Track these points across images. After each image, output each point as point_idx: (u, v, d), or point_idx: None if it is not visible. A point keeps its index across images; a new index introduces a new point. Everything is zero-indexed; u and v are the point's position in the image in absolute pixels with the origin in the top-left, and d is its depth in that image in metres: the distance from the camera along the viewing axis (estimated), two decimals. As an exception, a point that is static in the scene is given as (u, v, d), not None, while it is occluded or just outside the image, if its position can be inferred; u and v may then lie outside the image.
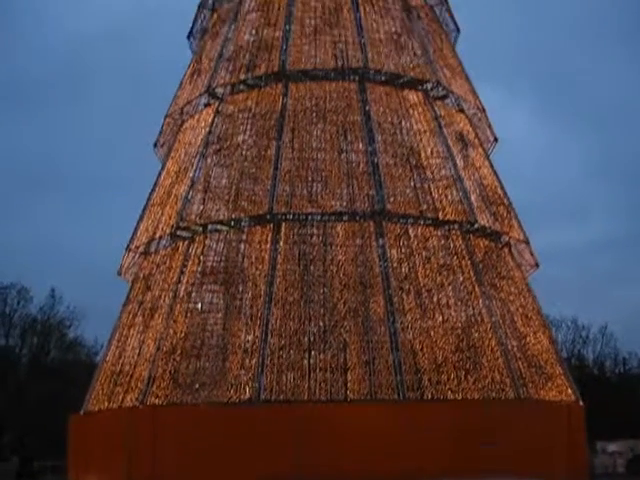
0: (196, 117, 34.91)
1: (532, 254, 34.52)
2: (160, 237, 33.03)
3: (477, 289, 30.38)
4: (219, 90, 34.35)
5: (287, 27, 33.68)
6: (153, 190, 34.78)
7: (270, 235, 30.02)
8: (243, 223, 31.70)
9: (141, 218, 34.38)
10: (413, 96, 33.23)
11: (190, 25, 38.79)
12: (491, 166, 35.28)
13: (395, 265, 29.98)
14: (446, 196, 31.61)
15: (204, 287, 31.36)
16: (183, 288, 30.85)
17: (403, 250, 30.50)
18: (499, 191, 34.52)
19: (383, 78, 33.59)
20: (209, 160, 33.04)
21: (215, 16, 37.51)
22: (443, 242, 31.17)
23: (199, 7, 38.66)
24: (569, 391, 31.41)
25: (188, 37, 38.88)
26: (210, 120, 33.48)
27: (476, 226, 31.83)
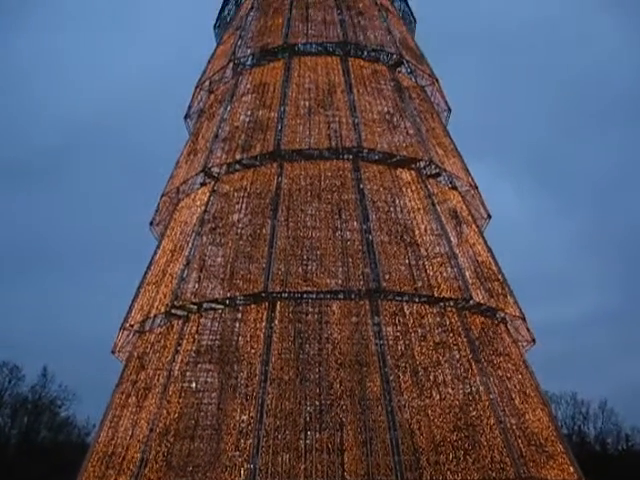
0: (192, 196, 35.26)
1: (528, 330, 34.40)
2: (155, 315, 32.88)
3: (474, 366, 30.13)
4: (215, 169, 34.81)
5: (282, 108, 34.37)
6: (148, 268, 34.81)
7: (265, 313, 29.93)
8: (238, 302, 31.69)
9: (136, 296, 34.28)
10: (406, 174, 33.68)
11: (187, 106, 39.58)
12: (485, 243, 35.47)
13: (391, 343, 29.81)
14: (441, 273, 31.69)
15: (199, 366, 31.05)
16: (177, 367, 30.56)
17: (399, 328, 30.37)
18: (494, 267, 34.61)
19: (377, 157, 34.17)
20: (204, 239, 33.20)
21: (212, 97, 38.30)
22: (439, 319, 31.08)
23: (196, 88, 39.50)
24: (571, 469, 30.84)
25: (185, 118, 39.58)
26: (206, 199, 33.82)
27: (471, 303, 31.79)
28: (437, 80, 39.38)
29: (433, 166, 34.78)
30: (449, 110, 39.67)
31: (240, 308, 31.45)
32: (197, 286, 32.25)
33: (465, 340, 30.68)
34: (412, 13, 42.76)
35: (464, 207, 35.47)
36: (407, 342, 30.02)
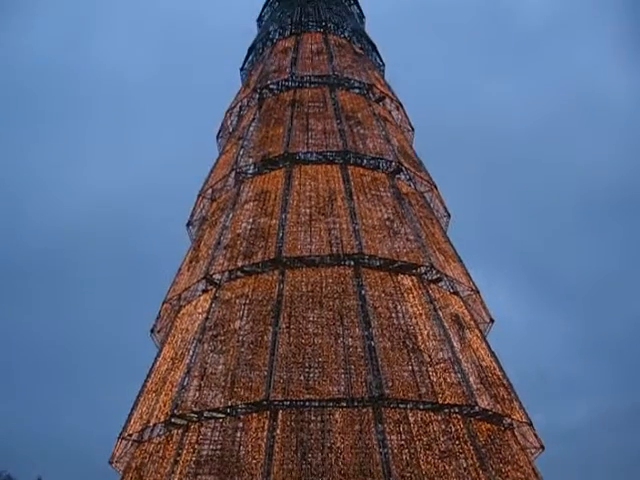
0: (193, 303, 35.31)
1: (536, 436, 33.70)
2: (154, 425, 32.34)
3: (482, 475, 29.37)
4: (217, 276, 34.99)
5: (283, 215, 34.91)
6: (148, 376, 34.47)
7: (267, 423, 29.44)
8: (239, 410, 31.21)
9: (135, 405, 33.79)
10: (408, 280, 33.83)
11: (189, 214, 40.16)
12: (488, 347, 35.23)
13: (395, 452, 29.15)
14: (445, 379, 31.30)
15: (198, 477, 30.26)
16: (177, 478, 29.82)
17: (403, 436, 29.77)
18: (498, 372, 34.23)
19: (378, 263, 34.41)
20: (206, 346, 33.00)
21: (214, 205, 38.91)
22: (444, 427, 30.51)
23: (198, 196, 40.18)
24: None
25: (187, 225, 40.09)
26: (207, 306, 33.86)
27: (477, 409, 31.30)
28: (435, 186, 40.11)
29: (434, 271, 34.97)
30: (448, 215, 40.20)
31: (241, 417, 30.96)
32: (198, 394, 31.84)
33: (472, 448, 30.03)
34: (410, 122, 43.91)
35: (466, 312, 35.44)
36: (412, 451, 29.36)
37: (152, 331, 37.30)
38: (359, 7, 50.61)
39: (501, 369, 34.47)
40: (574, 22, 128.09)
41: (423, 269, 34.90)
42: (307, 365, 30.71)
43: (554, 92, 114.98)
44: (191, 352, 33.01)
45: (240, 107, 43.41)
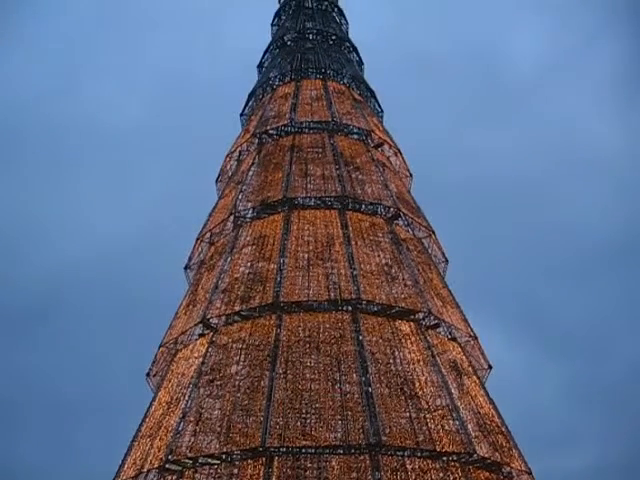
0: (190, 347, 35.15)
1: (536, 485, 33.30)
2: (148, 470, 31.94)
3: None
4: (214, 321, 34.89)
5: (281, 260, 34.95)
6: (143, 421, 34.17)
7: (262, 469, 29.15)
8: (235, 456, 30.83)
9: (129, 450, 33.41)
10: (405, 326, 33.76)
11: (187, 257, 40.20)
12: (487, 394, 35.00)
13: (393, 501, 28.80)
14: (443, 426, 31.04)
15: (193, 525, 29.89)
16: (170, 526, 29.39)
17: (401, 485, 29.42)
18: (497, 419, 33.97)
19: (375, 309, 34.36)
20: (202, 391, 32.78)
21: (212, 249, 38.98)
22: (442, 475, 30.18)
23: (197, 240, 40.28)
24: None
25: (185, 269, 40.09)
26: (204, 350, 33.70)
27: (475, 457, 30.98)
28: (433, 232, 40.23)
29: (432, 317, 34.90)
30: (446, 261, 40.25)
31: (237, 463, 30.64)
32: (193, 440, 31.55)
33: (470, 498, 29.65)
34: (408, 168, 44.23)
35: (464, 358, 35.28)
36: (410, 500, 28.99)
37: (148, 375, 37.06)
38: (358, 54, 51.27)
39: (500, 416, 34.20)
40: (562, 73, 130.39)
41: (421, 315, 34.85)
42: (304, 411, 30.48)
43: (544, 139, 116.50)
44: (187, 397, 32.75)
45: (239, 152, 43.74)
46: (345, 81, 46.65)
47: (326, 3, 53.14)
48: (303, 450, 30.09)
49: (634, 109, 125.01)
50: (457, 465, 30.64)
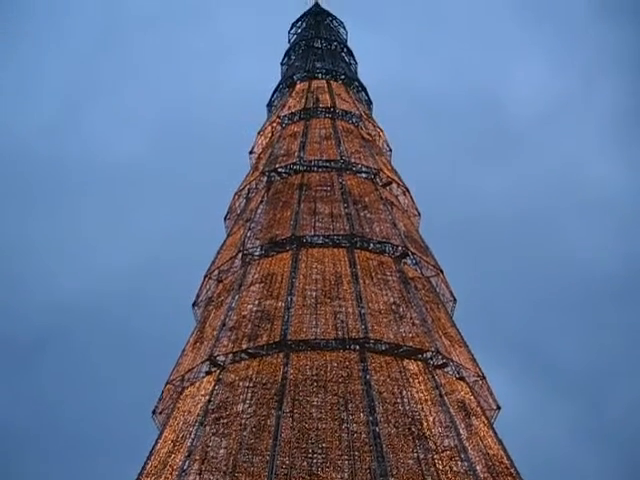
0: (197, 385, 34.98)
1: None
2: (153, 510, 31.61)
3: None
4: (221, 358, 34.78)
5: (289, 298, 34.93)
6: (148, 459, 33.78)
7: (269, 509, 28.76)
8: (241, 496, 30.49)
9: (133, 490, 33.11)
10: (413, 365, 33.58)
11: (195, 294, 40.23)
12: (495, 435, 34.56)
13: None
14: (451, 468, 30.72)
15: None
16: None
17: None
18: (506, 461, 33.52)
19: (383, 347, 34.20)
20: (208, 429, 32.57)
21: (220, 286, 39.01)
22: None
23: (205, 277, 40.33)
24: None
25: (193, 306, 40.11)
26: (211, 388, 33.54)
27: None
28: (442, 271, 40.17)
29: (440, 357, 34.71)
30: (454, 300, 40.13)
31: (243, 503, 30.25)
32: (198, 479, 31.26)
33: None
34: (417, 207, 44.36)
35: (472, 398, 34.96)
36: None
37: (154, 412, 36.83)
38: (367, 94, 51.95)
39: (509, 457, 33.74)
40: (562, 114, 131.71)
41: (429, 354, 34.67)
42: (310, 451, 30.21)
43: (545, 178, 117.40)
44: (193, 435, 32.53)
45: (248, 189, 43.99)
46: (354, 120, 47.04)
47: (335, 43, 54.03)
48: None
49: (635, 146, 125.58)
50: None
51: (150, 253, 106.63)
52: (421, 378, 33.16)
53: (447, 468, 30.63)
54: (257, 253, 39.26)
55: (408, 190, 44.60)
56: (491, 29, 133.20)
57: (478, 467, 31.52)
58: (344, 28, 56.41)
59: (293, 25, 56.32)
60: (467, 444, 32.13)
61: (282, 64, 54.52)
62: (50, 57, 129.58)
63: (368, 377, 32.28)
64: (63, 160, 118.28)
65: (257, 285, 36.68)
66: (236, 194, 44.49)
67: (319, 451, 30.25)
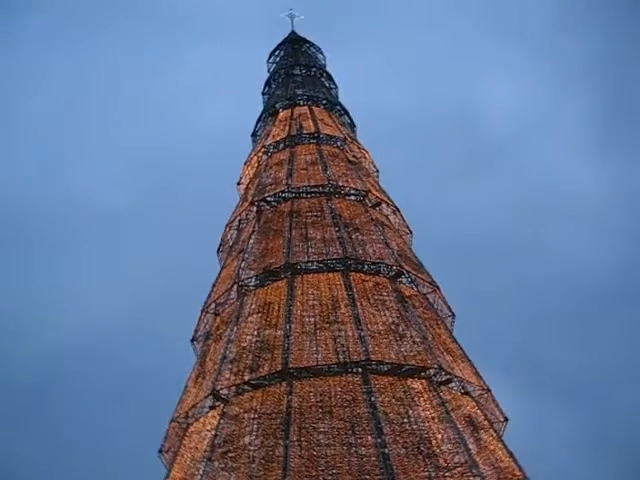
0: (202, 420, 34.77)
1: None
2: None
3: None
4: (224, 392, 34.60)
5: (288, 326, 34.79)
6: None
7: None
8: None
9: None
10: (417, 384, 33.47)
11: (193, 330, 40.11)
12: (505, 447, 34.35)
13: None
14: (462, 484, 30.51)
15: None
16: None
17: None
18: (517, 472, 33.32)
19: (386, 368, 34.07)
20: (216, 464, 32.34)
21: (218, 320, 38.89)
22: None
23: (202, 312, 40.21)
24: None
25: (192, 341, 39.99)
26: (216, 423, 33.35)
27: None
28: (438, 287, 40.20)
29: (443, 373, 34.63)
30: (453, 315, 40.11)
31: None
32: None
33: None
34: (408, 226, 44.46)
35: (479, 412, 34.83)
36: None
37: (160, 451, 36.54)
38: (349, 117, 52.30)
39: (520, 469, 33.52)
40: (540, 127, 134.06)
41: (432, 371, 34.58)
42: (321, 478, 29.96)
43: (529, 194, 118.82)
44: (201, 471, 32.31)
45: (239, 221, 44.04)
46: (339, 144, 47.26)
47: (314, 69, 54.45)
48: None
49: (615, 154, 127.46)
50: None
51: (146, 290, 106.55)
52: (426, 396, 33.03)
53: (456, 482, 30.42)
54: (252, 283, 39.19)
55: (398, 209, 44.72)
56: (463, 48, 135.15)
57: (490, 480, 31.32)
58: (322, 53, 56.93)
59: (271, 54, 56.80)
60: (478, 459, 31.97)
61: (263, 94, 54.86)
62: (30, 101, 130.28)
63: (373, 399, 32.15)
64: (53, 205, 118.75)
65: (255, 315, 36.58)
66: (227, 226, 44.53)
67: (330, 478, 29.99)
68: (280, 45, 57.03)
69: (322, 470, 30.19)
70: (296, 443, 30.77)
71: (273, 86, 54.18)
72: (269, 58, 56.81)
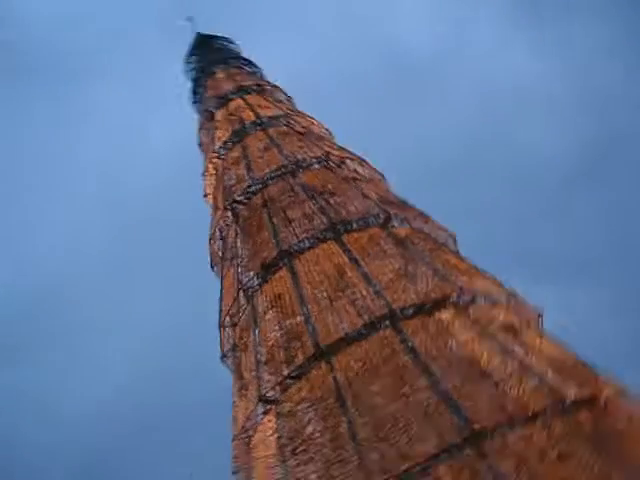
0: (260, 429, 34.82)
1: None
2: None
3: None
4: (270, 394, 34.63)
5: (304, 310, 34.85)
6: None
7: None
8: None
9: None
10: (445, 314, 33.41)
11: (220, 348, 40.10)
12: (549, 339, 34.50)
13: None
14: (524, 390, 30.48)
15: None
16: None
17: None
18: (569, 357, 33.50)
19: (410, 312, 34.01)
20: (290, 463, 32.42)
21: (237, 330, 38.87)
22: (547, 436, 29.67)
23: (220, 328, 40.20)
24: None
25: (222, 359, 40.01)
26: (274, 426, 33.47)
27: (568, 401, 30.45)
28: (429, 216, 40.23)
29: (465, 294, 34.70)
30: (452, 236, 40.18)
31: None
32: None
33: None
34: (378, 171, 44.45)
35: (514, 317, 34.95)
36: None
37: (234, 472, 36.65)
38: (283, 91, 52.28)
39: (571, 353, 33.73)
40: (460, 26, 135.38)
41: (454, 297, 34.59)
42: (392, 437, 30.04)
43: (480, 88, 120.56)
44: (280, 475, 32.42)
45: (219, 230, 43.90)
46: (283, 121, 47.07)
47: (232, 60, 54.30)
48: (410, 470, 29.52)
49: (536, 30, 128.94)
50: (557, 422, 29.94)
51: (166, 334, 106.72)
52: (458, 322, 33.09)
53: (518, 393, 30.49)
54: (255, 283, 39.14)
55: (364, 160, 44.65)
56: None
57: (548, 375, 31.46)
58: (233, 43, 56.56)
59: (186, 62, 56.41)
60: (528, 361, 32.10)
61: (194, 102, 54.56)
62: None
63: (410, 344, 32.17)
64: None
65: (270, 312, 36.56)
66: (210, 240, 44.40)
67: (400, 433, 30.05)
68: (190, 51, 56.66)
69: (390, 429, 30.28)
70: (356, 413, 30.87)
71: (200, 92, 53.85)
72: (185, 67, 56.47)
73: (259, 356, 35.71)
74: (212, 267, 44.33)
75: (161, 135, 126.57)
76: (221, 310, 40.63)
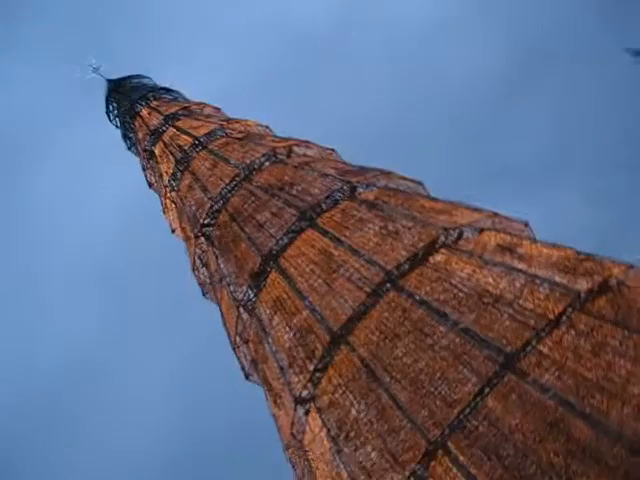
0: (307, 429, 34.80)
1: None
2: None
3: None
4: (305, 394, 34.59)
5: (306, 302, 34.92)
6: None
7: (448, 460, 28.75)
8: (420, 473, 30.44)
9: None
10: (439, 256, 33.64)
11: (241, 368, 40.10)
12: (544, 245, 34.62)
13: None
14: (538, 298, 30.64)
15: None
16: None
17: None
18: (570, 253, 33.51)
19: (407, 267, 34.03)
20: (347, 450, 32.48)
21: (251, 345, 38.90)
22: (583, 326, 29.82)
23: (234, 349, 40.20)
24: None
25: (247, 378, 40.03)
26: (319, 422, 33.50)
27: (582, 294, 30.65)
28: (391, 172, 40.31)
29: (450, 231, 34.84)
30: (419, 182, 40.30)
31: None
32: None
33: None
34: (326, 148, 44.50)
35: (503, 236, 35.13)
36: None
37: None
38: (211, 105, 52.21)
39: (569, 249, 33.86)
40: None
41: (442, 238, 34.72)
42: (434, 387, 30.08)
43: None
44: (341, 466, 32.47)
45: (199, 258, 43.81)
46: (219, 134, 47.02)
47: (151, 94, 53.97)
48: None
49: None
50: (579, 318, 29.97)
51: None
52: (454, 259, 33.28)
53: (534, 304, 30.65)
54: (252, 295, 39.13)
55: (309, 142, 44.65)
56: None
57: (556, 277, 31.65)
58: (146, 77, 56.25)
59: (108, 113, 56.14)
60: (532, 271, 32.28)
61: (129, 149, 54.29)
62: None
63: (417, 297, 32.32)
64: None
65: (276, 317, 36.58)
66: (193, 270, 44.33)
67: (439, 383, 30.15)
68: (107, 99, 56.34)
69: (429, 383, 30.38)
70: (392, 381, 30.95)
71: (131, 135, 53.56)
72: (109, 118, 56.13)
73: (281, 362, 35.74)
74: (204, 295, 44.27)
75: (117, 193, 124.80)
76: (228, 332, 40.60)
